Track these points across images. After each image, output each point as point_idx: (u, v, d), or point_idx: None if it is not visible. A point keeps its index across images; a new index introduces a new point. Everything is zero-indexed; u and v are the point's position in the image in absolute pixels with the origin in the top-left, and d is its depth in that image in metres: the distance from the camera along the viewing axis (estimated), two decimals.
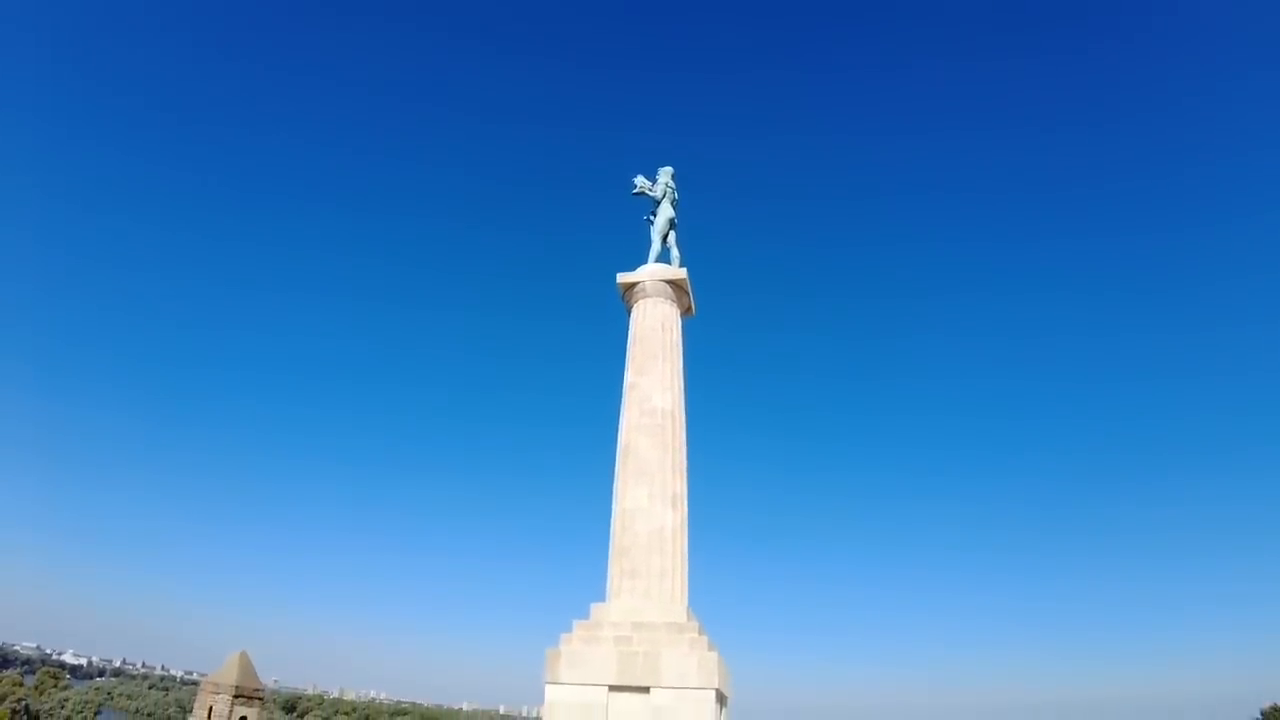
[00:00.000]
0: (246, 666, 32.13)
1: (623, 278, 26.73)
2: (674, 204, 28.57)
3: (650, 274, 26.38)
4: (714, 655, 19.77)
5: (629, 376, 25.13)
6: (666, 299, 26.14)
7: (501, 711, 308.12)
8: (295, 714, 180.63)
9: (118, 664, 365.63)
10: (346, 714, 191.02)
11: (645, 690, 19.59)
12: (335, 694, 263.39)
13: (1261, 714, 52.04)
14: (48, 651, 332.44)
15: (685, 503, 23.38)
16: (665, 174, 28.91)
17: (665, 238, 27.99)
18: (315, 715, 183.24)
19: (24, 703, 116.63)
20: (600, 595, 22.64)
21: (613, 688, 19.87)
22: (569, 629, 21.47)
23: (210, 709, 30.62)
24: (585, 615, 21.81)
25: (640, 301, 26.18)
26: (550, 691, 20.21)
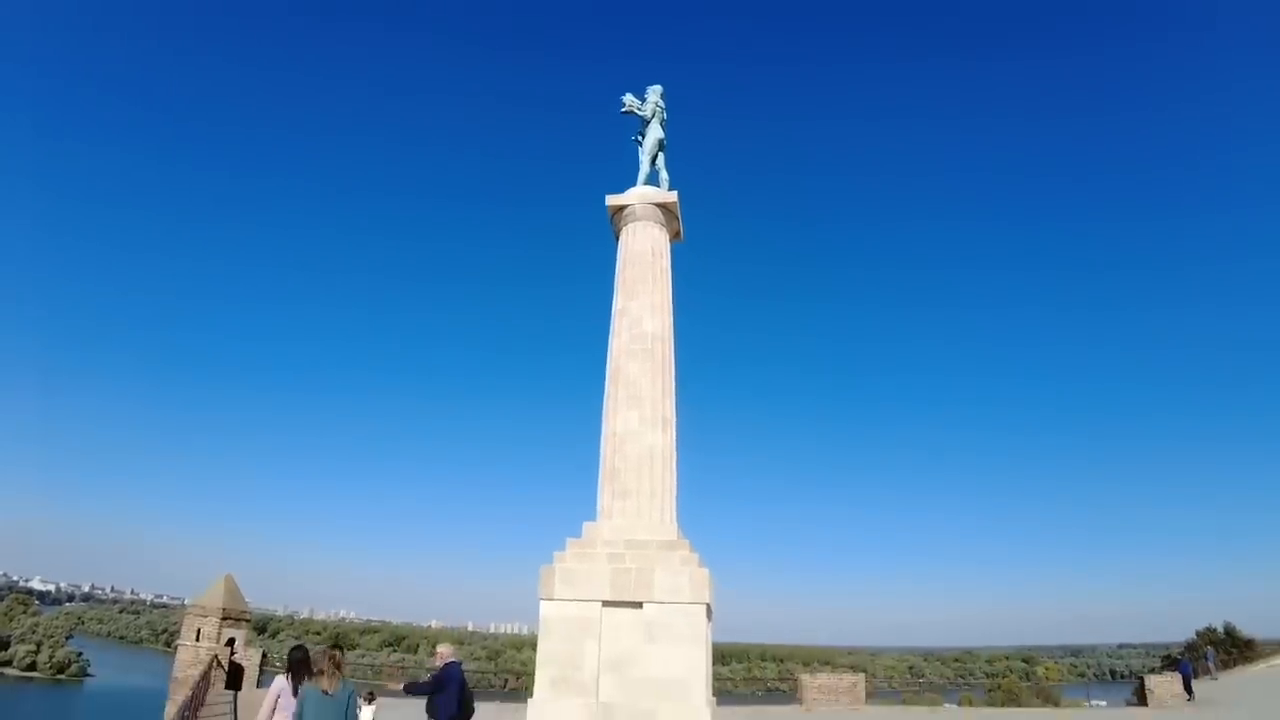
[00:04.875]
0: (233, 589, 32.28)
1: (612, 200, 26.22)
2: (663, 124, 27.84)
3: (639, 196, 25.90)
4: (705, 572, 20.33)
5: (618, 301, 24.93)
6: (656, 223, 25.76)
7: (470, 628, 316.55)
8: (267, 634, 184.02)
9: (86, 589, 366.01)
10: (317, 633, 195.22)
11: (638, 605, 20.13)
12: (305, 614, 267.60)
13: (1196, 634, 55.39)
14: (14, 578, 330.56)
15: (674, 425, 23.61)
16: (654, 93, 28.08)
17: (654, 160, 27.34)
18: (287, 635, 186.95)
19: None
20: (588, 517, 22.98)
21: (606, 603, 20.35)
22: (562, 547, 21.84)
23: (199, 631, 30.92)
24: (578, 534, 22.19)
25: (629, 225, 25.78)
26: (545, 607, 20.66)
